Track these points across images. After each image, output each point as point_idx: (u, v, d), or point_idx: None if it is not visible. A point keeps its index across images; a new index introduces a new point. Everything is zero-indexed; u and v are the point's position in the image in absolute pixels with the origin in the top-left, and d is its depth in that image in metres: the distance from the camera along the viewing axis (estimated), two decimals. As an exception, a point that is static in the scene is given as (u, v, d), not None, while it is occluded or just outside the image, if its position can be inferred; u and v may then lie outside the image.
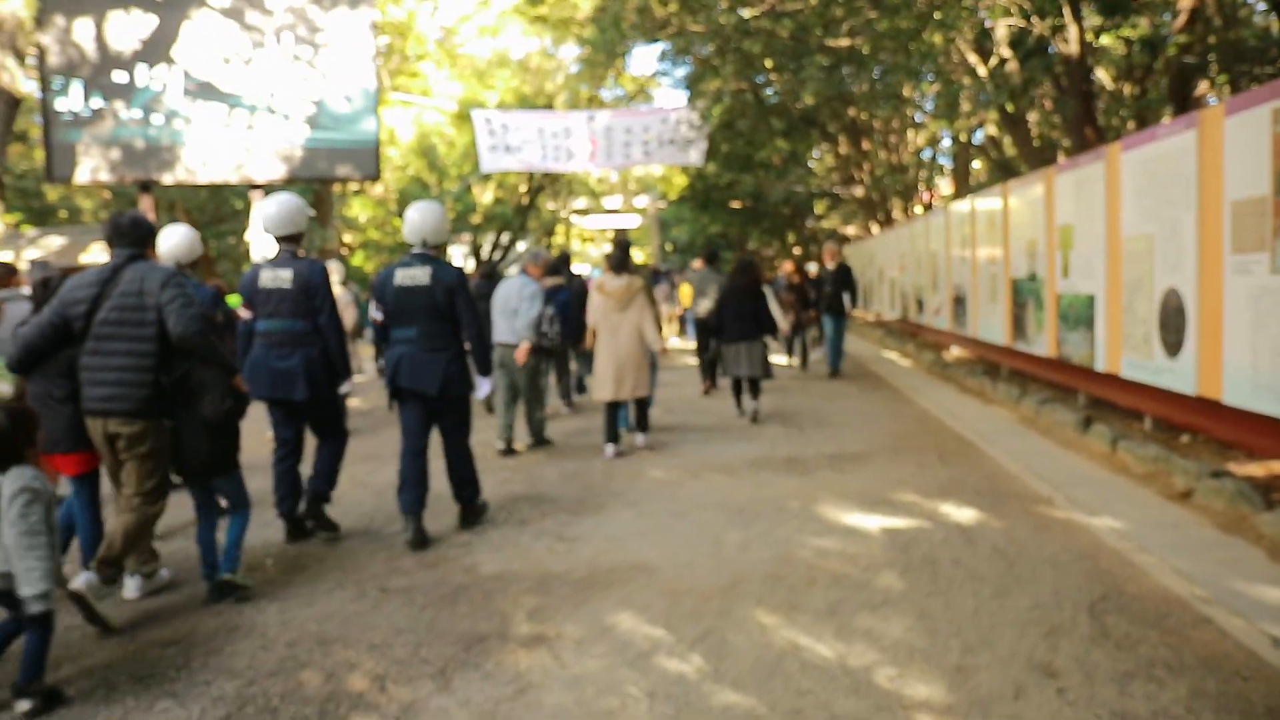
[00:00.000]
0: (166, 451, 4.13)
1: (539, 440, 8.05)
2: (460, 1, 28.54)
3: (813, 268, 13.34)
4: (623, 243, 8.49)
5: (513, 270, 16.16)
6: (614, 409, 7.52)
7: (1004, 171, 12.34)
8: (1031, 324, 9.07)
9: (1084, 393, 8.34)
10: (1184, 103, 12.37)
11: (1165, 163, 6.14)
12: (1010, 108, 10.00)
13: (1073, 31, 8.88)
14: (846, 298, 12.29)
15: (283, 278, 5.06)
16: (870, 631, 3.64)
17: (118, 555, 3.94)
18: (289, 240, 5.22)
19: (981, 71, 9.62)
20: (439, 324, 5.17)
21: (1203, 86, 12.54)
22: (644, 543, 4.94)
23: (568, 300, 8.90)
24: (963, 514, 5.32)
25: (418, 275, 5.16)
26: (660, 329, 7.78)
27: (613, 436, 7.50)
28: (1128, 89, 13.21)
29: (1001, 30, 9.19)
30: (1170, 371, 6.16)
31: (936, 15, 9.07)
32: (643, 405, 7.79)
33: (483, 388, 5.57)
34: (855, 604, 3.94)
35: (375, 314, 5.48)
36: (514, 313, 7.67)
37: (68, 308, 3.98)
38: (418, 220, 5.30)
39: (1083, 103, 9.56)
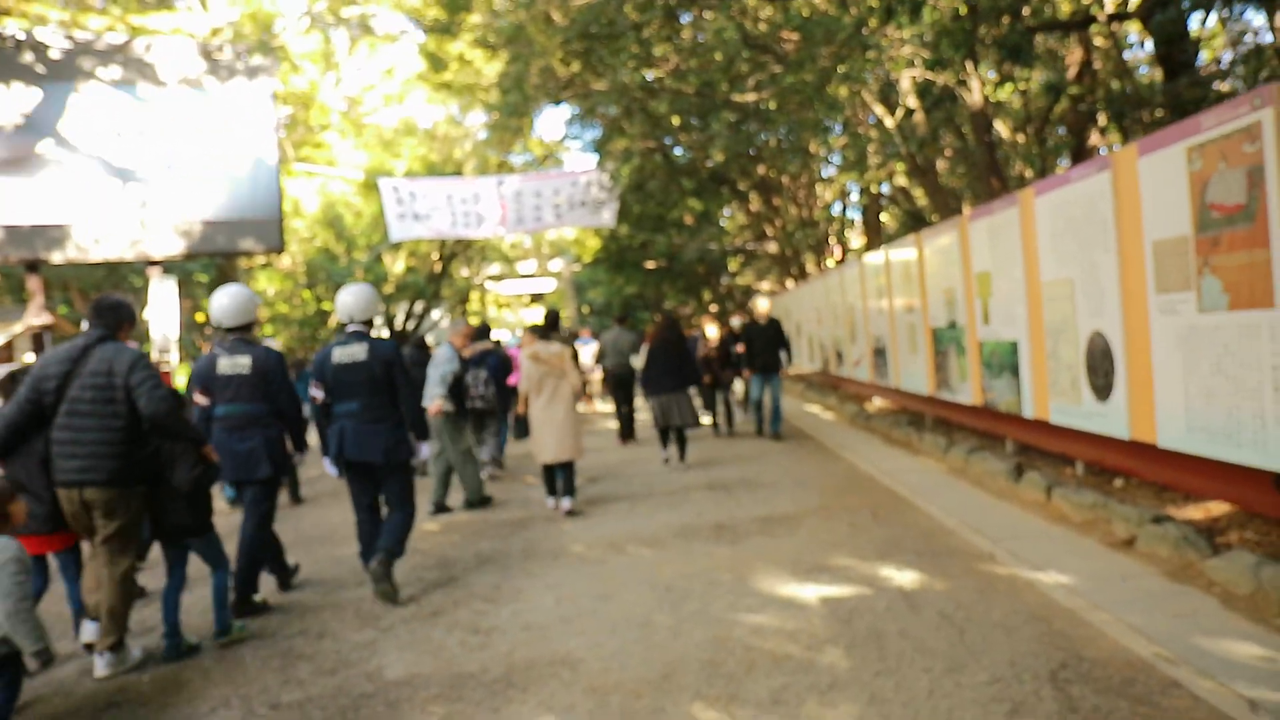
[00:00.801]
0: (140, 515, 4.45)
1: (479, 500, 8.25)
2: (364, 71, 28.27)
3: (735, 322, 12.88)
4: (553, 313, 9.54)
5: (429, 339, 15.68)
6: (552, 470, 7.85)
7: (915, 221, 12.40)
8: (955, 372, 8.96)
9: (1012, 439, 8.22)
10: (1079, 152, 12.68)
11: (1080, 205, 6.07)
12: (919, 158, 10.02)
13: (974, 83, 8.94)
14: (783, 354, 11.54)
15: (241, 364, 5.35)
16: (819, 723, 3.28)
17: (119, 616, 4.30)
18: (243, 329, 5.48)
19: (889, 122, 9.62)
20: (378, 396, 5.49)
21: (1095, 137, 12.88)
22: (566, 631, 4.51)
23: (497, 365, 9.43)
24: (904, 577, 5.02)
25: (355, 352, 5.50)
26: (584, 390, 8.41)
27: (553, 490, 7.87)
28: (1024, 139, 13.51)
29: (906, 82, 9.22)
30: (1101, 416, 6.02)
31: (841, 69, 9.06)
32: (568, 469, 7.80)
33: (422, 451, 5.79)
34: (800, 689, 3.57)
35: (315, 392, 5.60)
36: (434, 381, 8.08)
37: (39, 383, 4.24)
38: (350, 301, 5.65)
39: (987, 151, 9.62)
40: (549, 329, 8.36)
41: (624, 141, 13.58)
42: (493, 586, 5.46)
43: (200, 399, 5.48)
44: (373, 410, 5.45)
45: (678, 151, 18.23)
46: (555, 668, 3.99)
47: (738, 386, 13.84)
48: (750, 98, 10.55)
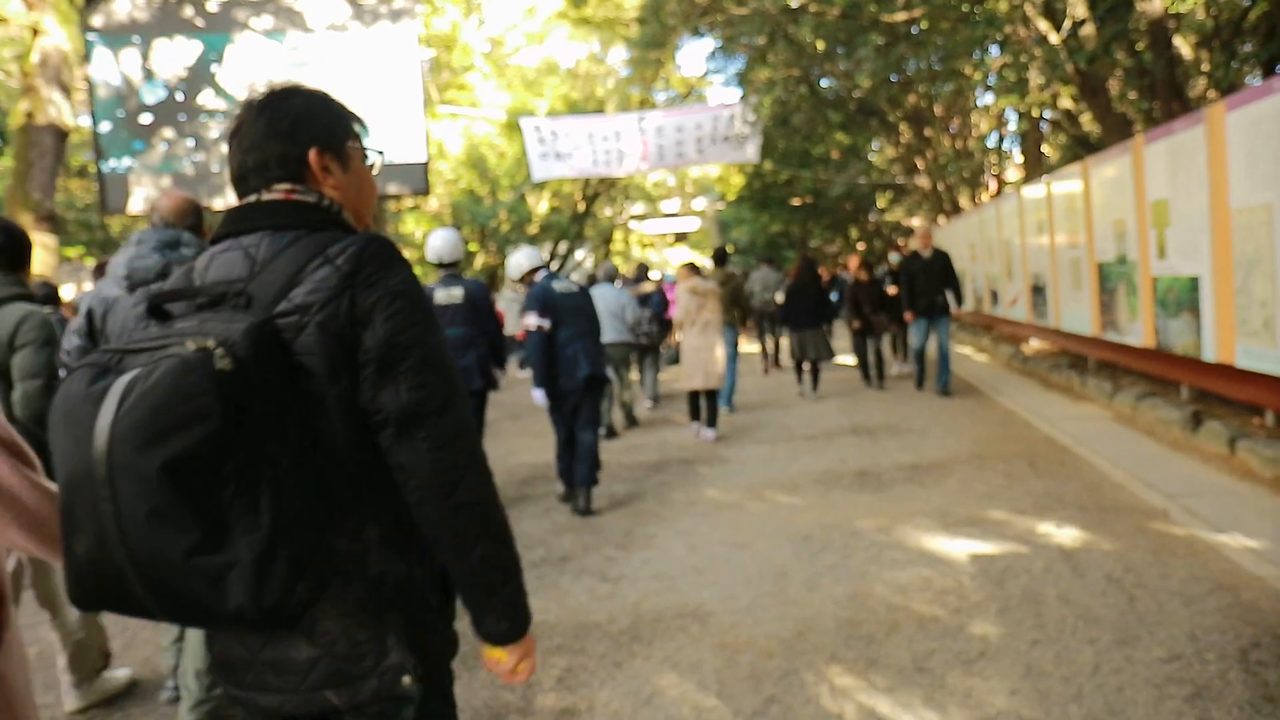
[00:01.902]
0: None
1: (631, 420, 9.38)
2: (506, 11, 28.31)
3: (893, 257, 11.32)
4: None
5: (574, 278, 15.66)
6: (697, 397, 8.39)
7: (1082, 147, 11.41)
8: (1123, 311, 8.24)
9: (1188, 386, 7.51)
10: (1273, 67, 11.34)
11: (1282, 121, 5.35)
12: (1088, 76, 9.15)
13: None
14: (949, 294, 9.77)
15: (455, 295, 6.01)
16: (969, 696, 3.00)
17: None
18: (453, 265, 6.25)
19: (1054, 38, 8.79)
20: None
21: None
22: (698, 582, 4.33)
23: (659, 302, 10.42)
24: (1065, 535, 4.61)
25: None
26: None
27: (697, 416, 8.46)
28: (1208, 55, 12.19)
29: (1075, -7, 8.40)
30: (1299, 360, 5.36)
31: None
32: (713, 397, 8.30)
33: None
34: (947, 658, 3.28)
35: (542, 321, 6.06)
36: (616, 316, 8.73)
37: None
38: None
39: (1167, 67, 8.69)
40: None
41: (766, 71, 13.02)
42: (624, 532, 5.34)
43: None
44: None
45: (824, 83, 17.47)
46: (684, 621, 3.82)
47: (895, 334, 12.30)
48: (900, 17, 9.83)
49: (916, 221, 28.07)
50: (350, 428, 1.36)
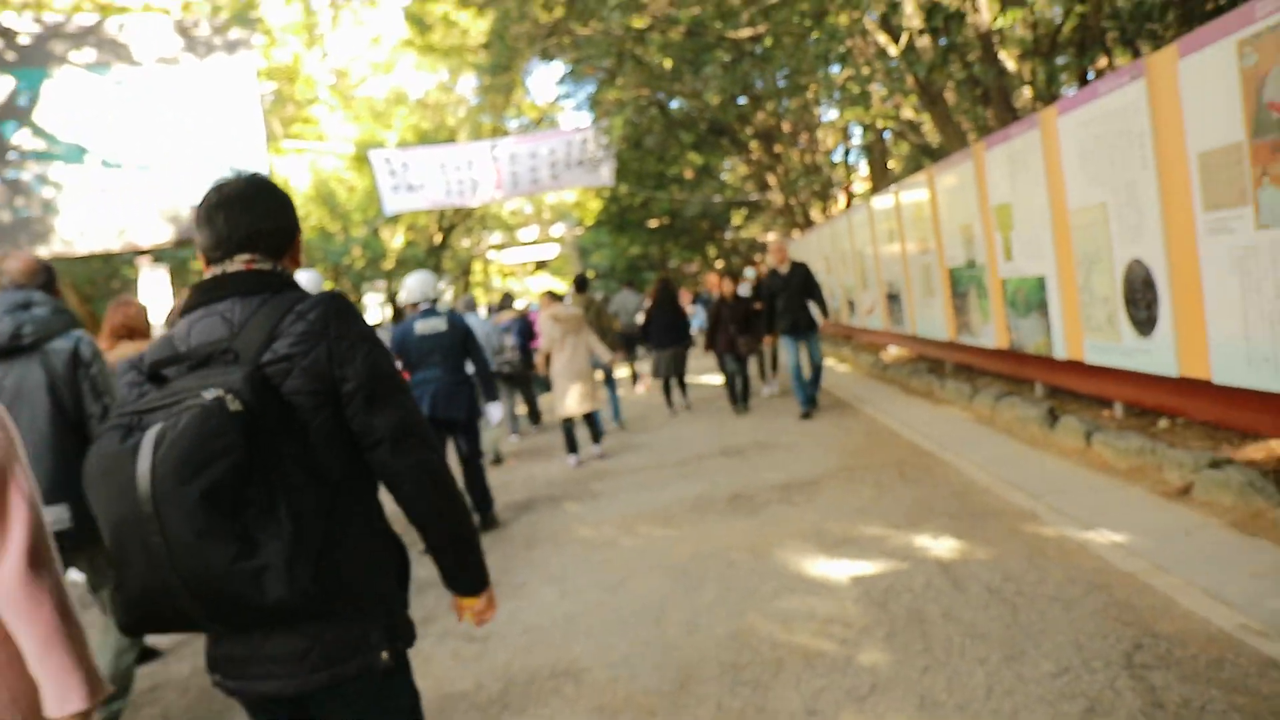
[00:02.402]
0: None
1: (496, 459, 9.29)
2: (350, 41, 27.58)
3: (749, 274, 10.73)
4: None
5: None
6: (571, 424, 8.44)
7: (925, 155, 11.75)
8: (975, 314, 8.43)
9: (1042, 383, 7.70)
10: (1085, 77, 11.96)
11: (1111, 121, 5.50)
12: (927, 86, 9.39)
13: (982, 1, 8.31)
14: (813, 307, 9.27)
15: (438, 327, 6.30)
16: (861, 735, 2.82)
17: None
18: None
19: (893, 51, 8.99)
20: (454, 361, 6.36)
21: (1102, 61, 12.18)
22: (571, 632, 4.06)
23: (523, 330, 10.43)
24: (941, 546, 4.55)
25: (436, 325, 6.33)
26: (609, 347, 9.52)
27: (573, 448, 8.44)
28: (1029, 67, 12.75)
29: (909, 5, 8.58)
30: (1144, 352, 5.50)
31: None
32: (592, 418, 8.61)
33: (494, 414, 6.80)
34: (838, 696, 3.11)
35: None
36: (485, 346, 8.92)
37: None
38: (414, 285, 6.53)
39: (998, 75, 9.00)
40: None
41: (616, 92, 12.95)
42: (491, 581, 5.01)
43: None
44: (453, 374, 6.32)
45: (674, 104, 17.57)
46: (558, 681, 3.54)
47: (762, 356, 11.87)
48: (745, 33, 9.90)
49: (771, 236, 28.64)
50: (331, 449, 1.68)
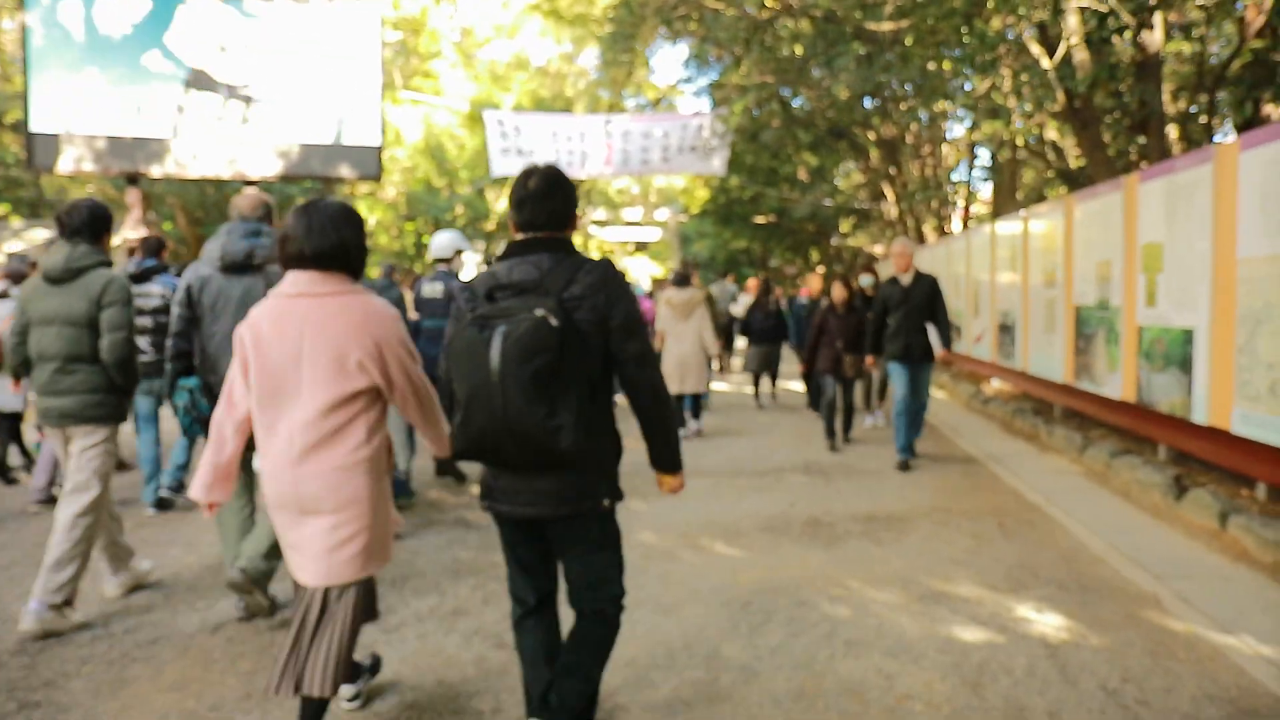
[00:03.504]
0: None
1: None
2: (479, 4, 27.50)
3: (866, 281, 9.31)
4: (687, 262, 11.39)
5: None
6: (675, 400, 8.34)
7: (1066, 181, 10.88)
8: (1101, 359, 7.68)
9: (1166, 445, 6.94)
10: (1251, 121, 10.95)
11: (1309, 164, 4.77)
12: (1081, 105, 8.59)
13: (1158, 19, 7.51)
14: (933, 332, 7.57)
15: (436, 290, 6.75)
16: None
17: None
18: (444, 262, 6.99)
19: (1046, 64, 8.24)
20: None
21: (1271, 108, 11.15)
22: (614, 658, 3.58)
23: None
24: (1047, 623, 3.94)
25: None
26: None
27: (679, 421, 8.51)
28: (1183, 105, 11.74)
29: (1073, 18, 7.82)
30: (1310, 433, 4.77)
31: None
32: (698, 399, 9.20)
33: None
34: (915, 798, 2.58)
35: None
36: None
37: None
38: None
39: (1159, 104, 8.18)
40: (681, 284, 9.40)
41: (740, 77, 12.36)
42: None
43: (413, 314, 7.04)
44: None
45: (796, 103, 16.91)
46: (588, 716, 3.07)
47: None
48: (886, 27, 9.22)
49: (879, 249, 27.65)
50: (596, 360, 2.46)
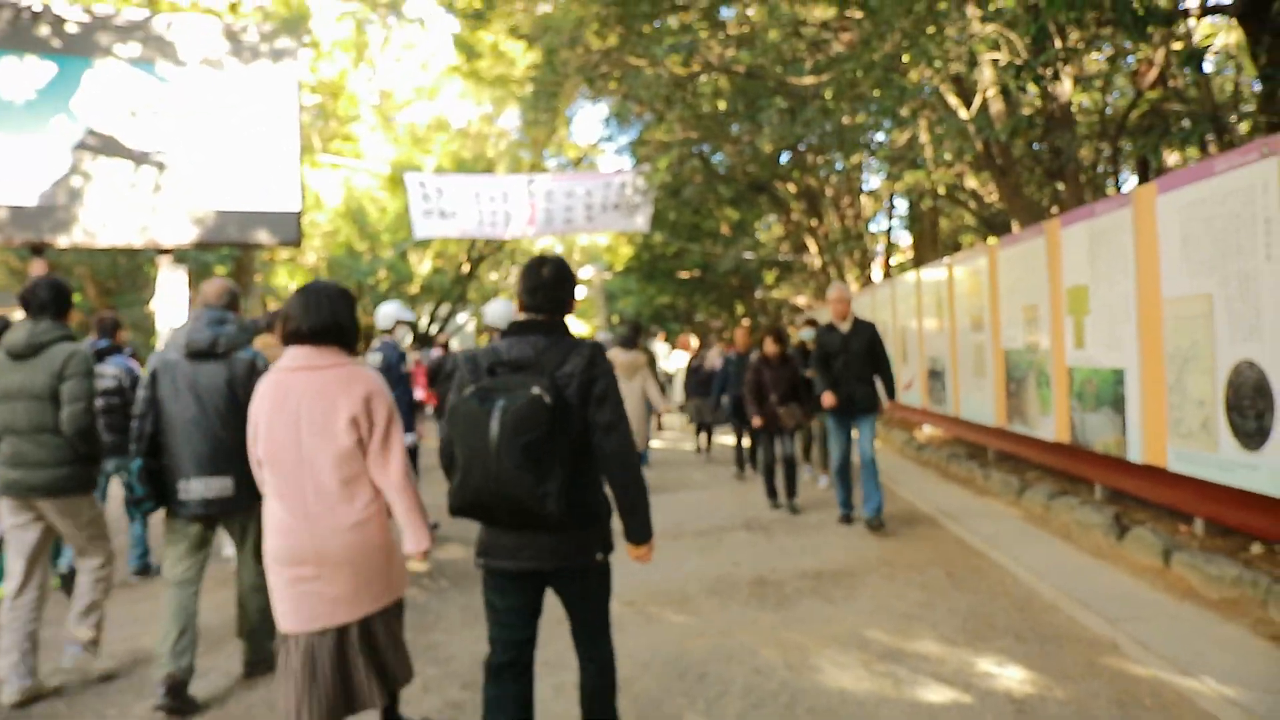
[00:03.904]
0: None
1: None
2: (399, 64, 27.48)
3: (806, 334, 8.85)
4: (634, 324, 10.61)
5: (454, 344, 14.72)
6: None
7: (990, 228, 11.11)
8: (1033, 403, 7.75)
9: (1101, 485, 6.99)
10: (1145, 168, 11.37)
11: (1227, 203, 4.88)
12: (998, 154, 8.80)
13: (1067, 71, 7.74)
14: (877, 382, 7.20)
15: (376, 360, 6.71)
16: None
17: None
18: (386, 333, 7.12)
19: (964, 114, 8.43)
20: None
21: (1169, 155, 11.61)
22: (565, 740, 3.37)
23: None
24: (1010, 676, 3.84)
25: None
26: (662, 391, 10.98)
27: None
28: (1088, 152, 12.16)
29: (988, 70, 8.02)
30: (1248, 468, 4.80)
31: (926, 36, 7.84)
32: (641, 455, 9.61)
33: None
34: None
35: None
36: None
37: None
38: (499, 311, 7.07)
39: (1074, 151, 8.41)
40: (628, 345, 9.68)
41: (663, 133, 12.43)
42: (472, 659, 4.31)
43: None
44: None
45: (716, 159, 17.11)
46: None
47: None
48: (808, 81, 9.35)
49: (802, 300, 27.98)
50: (581, 430, 2.71)
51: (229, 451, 3.86)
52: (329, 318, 2.96)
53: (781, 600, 5.14)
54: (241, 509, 3.95)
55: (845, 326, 7.18)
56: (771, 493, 8.15)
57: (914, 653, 4.19)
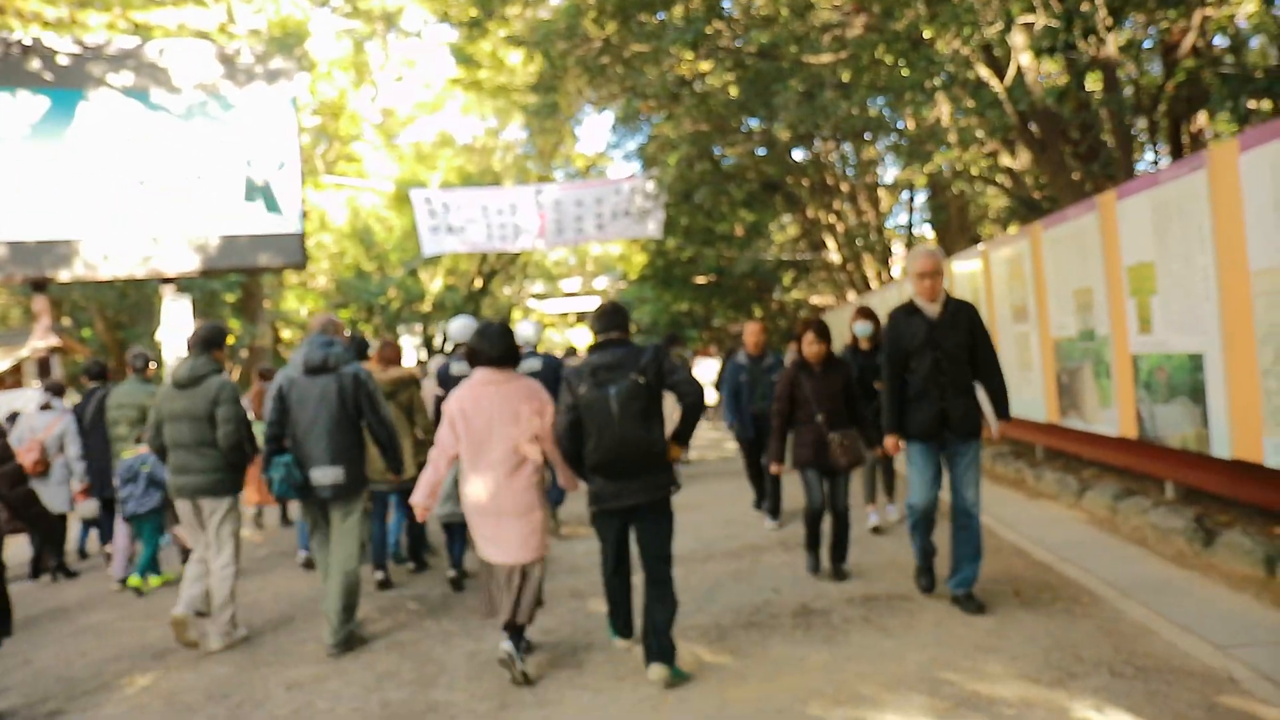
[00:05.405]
0: None
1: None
2: (400, 81, 27.06)
3: (861, 329, 6.87)
4: (670, 335, 11.65)
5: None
6: None
7: (1029, 210, 10.42)
8: (1089, 395, 7.07)
9: (1174, 482, 6.30)
10: (1177, 142, 10.71)
11: (1327, 157, 4.21)
12: (1037, 127, 8.13)
13: (1110, 37, 7.07)
14: (982, 392, 4.92)
15: (464, 368, 6.84)
16: None
17: None
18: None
19: (996, 86, 7.76)
20: None
21: (1201, 123, 10.93)
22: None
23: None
24: (1117, 726, 3.18)
25: (533, 365, 7.30)
26: None
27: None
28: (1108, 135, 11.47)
29: (1020, 36, 7.38)
30: (1369, 461, 4.13)
31: (933, 26, 7.25)
32: None
33: None
34: None
35: None
36: None
37: None
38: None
39: (1119, 118, 7.73)
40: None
41: (672, 128, 11.83)
42: (486, 706, 3.70)
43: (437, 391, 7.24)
44: None
45: (727, 163, 16.52)
46: None
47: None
48: (825, 59, 8.69)
49: (819, 299, 27.24)
50: (659, 401, 4.05)
51: (340, 447, 4.94)
52: (502, 348, 4.27)
53: (831, 633, 4.50)
54: (352, 494, 4.99)
55: (934, 310, 4.79)
56: (813, 547, 5.76)
57: (994, 696, 3.53)
